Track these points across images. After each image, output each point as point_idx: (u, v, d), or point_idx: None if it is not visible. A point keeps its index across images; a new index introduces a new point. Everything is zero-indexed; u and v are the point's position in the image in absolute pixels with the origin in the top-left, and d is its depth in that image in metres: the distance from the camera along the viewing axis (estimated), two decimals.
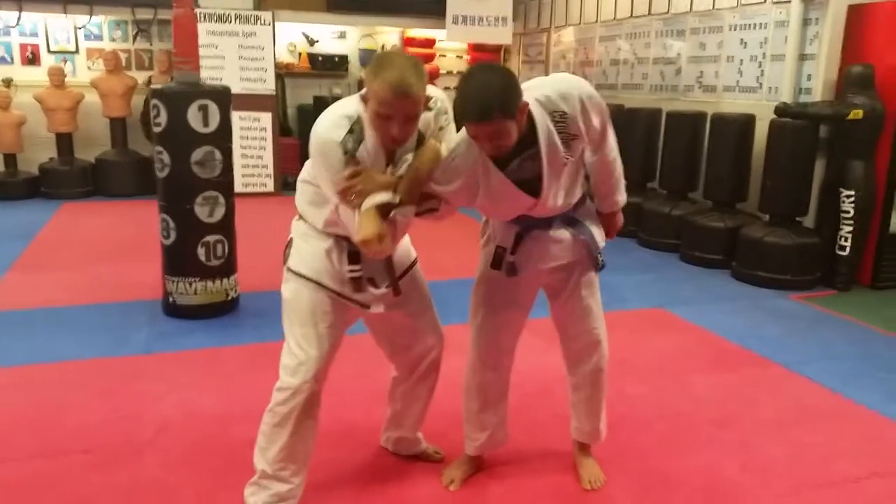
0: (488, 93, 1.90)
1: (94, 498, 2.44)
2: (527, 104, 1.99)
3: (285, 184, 8.56)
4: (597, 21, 7.86)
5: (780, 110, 5.22)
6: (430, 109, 2.11)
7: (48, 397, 3.16)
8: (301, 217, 2.30)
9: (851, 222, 5.03)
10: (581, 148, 2.18)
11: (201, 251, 4.11)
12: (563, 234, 2.33)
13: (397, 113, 1.93)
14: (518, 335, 2.50)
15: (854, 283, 5.16)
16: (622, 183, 2.41)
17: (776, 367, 3.72)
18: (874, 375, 3.61)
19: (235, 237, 4.33)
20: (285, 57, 8.89)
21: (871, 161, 4.98)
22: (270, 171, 8.30)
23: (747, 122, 5.65)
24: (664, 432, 2.99)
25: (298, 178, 2.30)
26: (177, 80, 4.04)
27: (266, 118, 8.15)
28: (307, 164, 2.23)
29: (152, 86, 4.14)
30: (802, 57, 5.38)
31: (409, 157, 2.09)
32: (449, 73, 9.94)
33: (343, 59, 9.29)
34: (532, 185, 2.13)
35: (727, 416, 3.14)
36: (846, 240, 5.06)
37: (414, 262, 2.44)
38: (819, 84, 5.25)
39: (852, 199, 5.00)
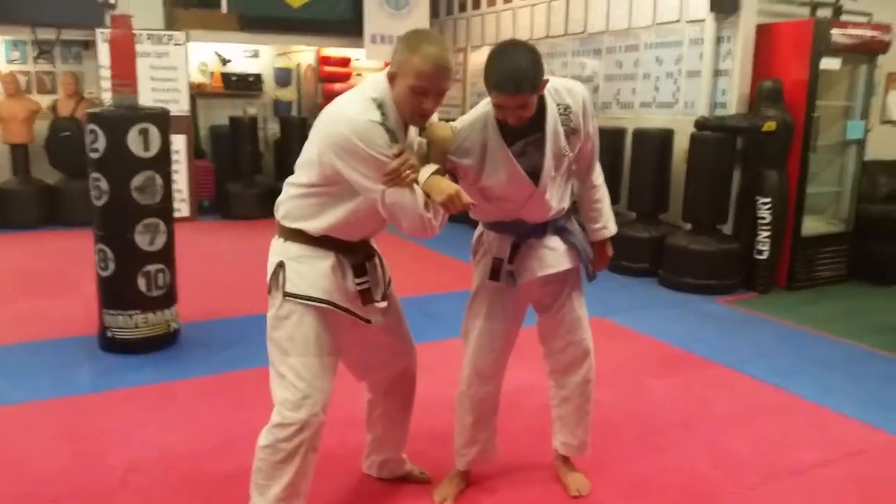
0: (521, 68, 2.02)
1: None
2: (547, 81, 2.12)
3: (201, 208, 8.33)
4: None
5: (700, 124, 5.53)
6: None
7: (4, 444, 2.95)
8: (290, 238, 2.18)
9: (768, 228, 5.38)
10: (576, 147, 2.28)
11: (142, 281, 3.94)
12: (557, 242, 2.42)
13: (435, 87, 1.97)
14: (511, 348, 2.54)
15: (772, 286, 5.50)
16: (610, 211, 2.54)
17: (719, 368, 3.92)
18: (807, 370, 3.88)
19: (175, 265, 4.18)
20: (197, 77, 8.64)
21: (784, 169, 5.35)
22: (185, 195, 7.99)
23: (666, 136, 5.95)
24: (635, 437, 3.10)
25: (283, 200, 2.22)
26: (114, 103, 3.87)
27: (180, 140, 7.86)
28: (294, 179, 2.17)
29: (88, 110, 3.93)
30: (717, 73, 5.73)
31: (419, 139, 2.14)
32: None
33: (257, 79, 9.12)
34: (534, 172, 2.23)
35: (688, 417, 3.30)
36: (764, 244, 5.41)
37: (391, 278, 2.43)
38: (733, 98, 5.60)
39: (768, 205, 5.35)
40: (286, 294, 2.13)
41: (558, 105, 2.23)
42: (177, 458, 2.85)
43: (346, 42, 9.30)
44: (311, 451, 2.18)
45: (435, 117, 2.20)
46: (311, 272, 2.13)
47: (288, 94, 9.40)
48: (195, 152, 8.26)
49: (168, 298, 4.08)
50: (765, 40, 5.50)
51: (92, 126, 3.79)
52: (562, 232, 2.45)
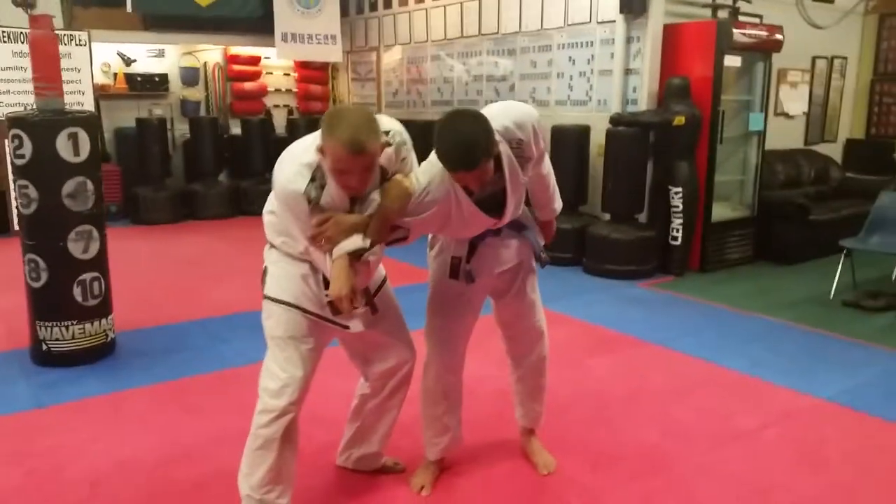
0: (473, 143, 2.03)
1: None
2: (498, 142, 2.14)
3: (108, 214, 7.96)
4: (427, 40, 8.18)
5: (615, 120, 5.82)
6: (389, 145, 2.14)
7: None
8: (272, 247, 2.33)
9: (681, 215, 5.73)
10: (531, 170, 2.38)
11: (77, 291, 3.79)
12: (511, 239, 2.53)
13: (353, 168, 1.98)
14: (470, 336, 2.64)
15: (687, 269, 5.87)
16: (557, 193, 2.64)
17: (651, 346, 4.18)
18: (731, 345, 4.19)
19: (109, 272, 4.04)
20: (100, 78, 8.27)
21: (693, 160, 5.72)
22: None
23: (583, 132, 6.22)
24: (587, 413, 3.28)
25: (265, 211, 2.32)
26: (39, 107, 3.70)
27: None
28: (272, 197, 2.24)
29: (9, 114, 3.74)
30: (628, 71, 6.04)
31: (376, 194, 2.15)
32: (277, 90, 9.79)
33: (163, 79, 8.82)
34: (494, 205, 2.29)
35: (632, 393, 3.51)
36: (678, 231, 5.76)
37: (384, 280, 2.50)
38: (644, 95, 5.92)
39: (680, 194, 5.70)
40: (266, 296, 2.31)
41: (510, 141, 2.22)
42: (139, 468, 2.79)
43: (255, 41, 9.16)
44: (290, 440, 2.28)
45: (407, 163, 2.22)
46: (285, 277, 2.29)
47: (195, 93, 9.14)
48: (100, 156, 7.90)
49: (104, 307, 3.94)
50: (672, 40, 5.85)
51: (16, 131, 3.62)
52: (517, 228, 2.54)
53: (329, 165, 2.01)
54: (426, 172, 2.19)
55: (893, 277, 5.50)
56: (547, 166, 2.54)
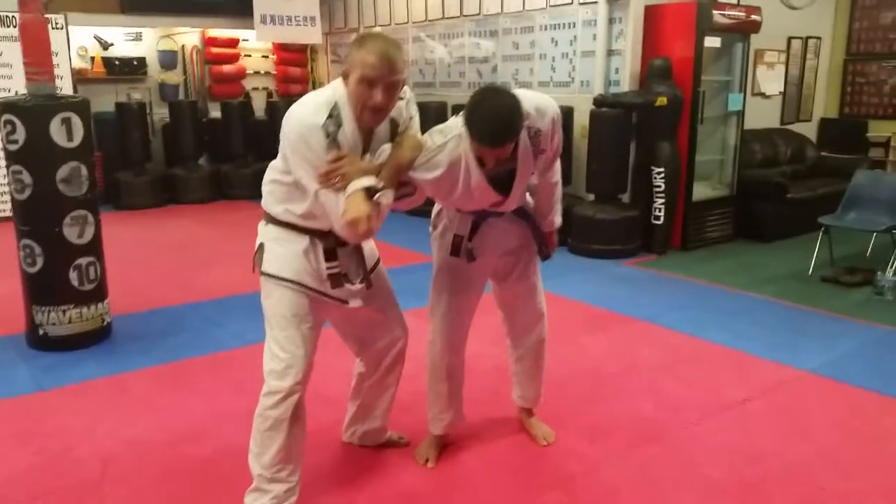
0: (507, 122, 2.10)
1: None
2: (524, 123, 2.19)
3: None
4: (408, 22, 8.19)
5: (598, 101, 5.91)
6: (401, 98, 2.23)
7: None
8: (270, 221, 2.31)
9: (663, 195, 5.84)
10: (542, 163, 2.42)
11: (73, 275, 3.81)
12: (514, 223, 2.59)
13: (382, 77, 2.04)
14: (473, 315, 2.72)
15: (669, 247, 6.00)
16: (559, 206, 2.68)
17: (639, 322, 4.30)
18: (716, 320, 4.32)
19: (104, 257, 4.05)
20: (77, 62, 8.16)
21: (675, 141, 5.83)
22: None
23: (566, 113, 6.29)
24: (583, 388, 3.39)
25: (265, 181, 2.31)
26: (31, 92, 3.68)
27: None
28: (274, 164, 2.25)
29: (0, 99, 3.72)
30: (610, 53, 6.11)
31: (386, 146, 2.22)
32: (256, 73, 9.73)
33: (141, 62, 8.74)
34: (502, 185, 2.34)
35: (624, 367, 3.62)
36: (660, 210, 5.87)
37: (378, 260, 2.56)
38: (626, 76, 6.01)
39: (662, 175, 5.81)
40: (263, 273, 2.29)
41: (529, 128, 2.26)
42: (149, 447, 2.85)
43: (232, 23, 9.09)
44: (298, 418, 2.31)
45: (416, 125, 2.30)
46: (285, 253, 2.27)
47: (174, 77, 9.06)
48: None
49: (100, 291, 3.96)
50: (653, 21, 5.93)
51: (8, 116, 3.60)
52: (519, 213, 2.60)
53: (356, 78, 2.05)
54: (442, 134, 2.26)
55: (868, 253, 5.68)
56: (557, 175, 2.59)
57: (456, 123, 2.25)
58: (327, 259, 2.28)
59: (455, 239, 2.55)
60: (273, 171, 2.28)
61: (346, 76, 2.11)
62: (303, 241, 2.26)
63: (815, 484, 2.60)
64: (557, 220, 2.70)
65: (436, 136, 2.26)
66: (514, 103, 2.13)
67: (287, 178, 2.20)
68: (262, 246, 2.31)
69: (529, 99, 2.27)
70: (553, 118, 2.34)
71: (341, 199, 2.07)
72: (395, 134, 2.25)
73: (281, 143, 2.17)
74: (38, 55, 3.67)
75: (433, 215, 2.67)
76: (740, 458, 2.75)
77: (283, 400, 2.25)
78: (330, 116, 2.07)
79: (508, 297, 2.77)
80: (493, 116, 2.10)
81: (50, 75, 3.72)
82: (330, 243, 2.28)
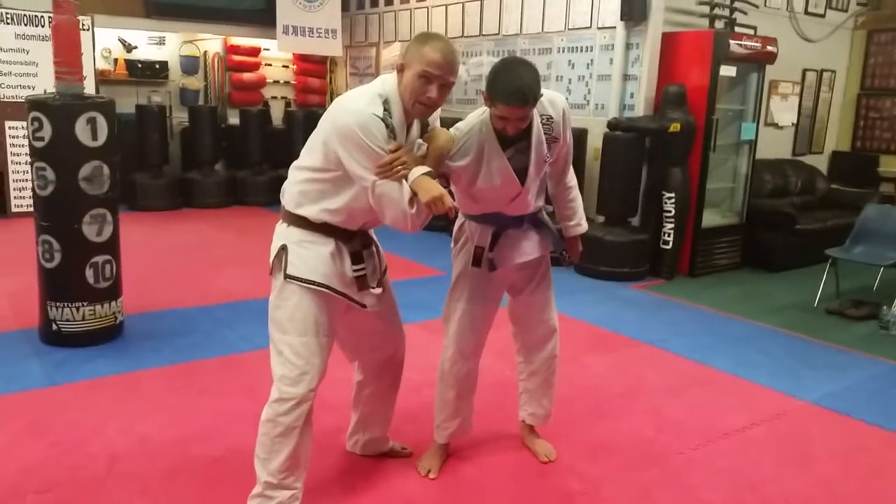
0: (528, 83, 2.23)
1: None
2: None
3: None
4: None
5: (613, 125, 5.97)
6: None
7: None
8: (293, 223, 2.30)
9: (673, 220, 5.89)
10: (555, 153, 2.53)
11: (89, 273, 3.87)
12: (532, 232, 2.68)
13: (441, 75, 2.13)
14: (489, 329, 2.77)
15: (676, 273, 6.03)
16: (581, 210, 2.80)
17: (645, 346, 4.33)
18: (721, 347, 4.35)
19: (120, 256, 4.12)
20: (100, 64, 8.29)
21: (687, 167, 5.88)
22: None
23: (580, 135, 6.36)
24: (586, 407, 3.42)
25: (293, 182, 2.31)
26: (59, 91, 3.77)
27: None
28: (304, 164, 2.27)
29: (29, 97, 3.81)
30: (626, 77, 6.18)
31: (420, 141, 2.30)
32: (275, 82, 9.85)
33: (163, 66, 8.86)
34: (520, 174, 2.45)
35: (628, 389, 3.66)
36: (669, 235, 5.92)
37: (386, 266, 2.59)
38: (641, 101, 6.07)
39: (673, 200, 5.86)
40: (287, 276, 2.25)
41: (541, 115, 2.43)
42: (158, 445, 2.89)
43: (254, 32, 9.24)
44: (308, 424, 2.33)
45: (437, 123, 2.41)
46: (312, 257, 2.26)
47: (195, 82, 9.19)
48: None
49: (114, 290, 4.03)
50: (670, 48, 6.00)
51: (36, 114, 3.69)
52: (536, 223, 2.70)
53: (415, 72, 2.12)
54: (465, 123, 2.42)
55: (875, 287, 5.70)
56: (572, 180, 2.74)
57: (475, 114, 2.42)
58: (354, 261, 2.32)
59: (476, 250, 2.63)
60: (304, 171, 2.29)
61: (401, 70, 2.18)
62: (329, 244, 2.27)
63: None
64: (582, 225, 2.81)
65: (461, 126, 2.42)
66: (535, 69, 2.28)
67: (325, 175, 2.22)
68: (284, 248, 2.28)
69: (544, 91, 2.41)
70: (564, 109, 2.50)
71: (405, 187, 2.12)
72: (423, 131, 2.33)
73: (318, 139, 2.20)
74: (69, 55, 3.77)
75: (455, 230, 2.75)
76: (739, 485, 2.78)
77: (295, 406, 2.26)
78: (385, 109, 2.14)
79: (522, 310, 2.82)
80: (517, 77, 2.23)
81: (79, 75, 3.82)
82: (356, 245, 2.33)
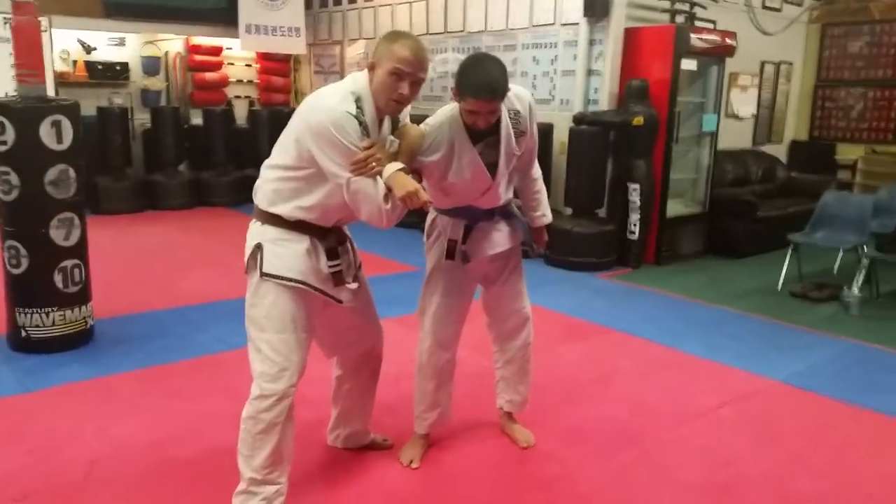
0: (497, 77, 2.29)
1: None
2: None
3: None
4: None
5: (578, 119, 6.06)
6: None
7: None
8: (268, 222, 2.30)
9: (638, 211, 6.00)
10: (523, 147, 2.58)
11: (58, 278, 3.81)
12: (502, 224, 2.73)
13: (412, 72, 2.16)
14: (464, 321, 2.81)
15: (643, 262, 6.14)
16: (546, 201, 2.87)
17: (615, 333, 4.42)
18: (689, 332, 4.45)
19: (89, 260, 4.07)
20: (59, 66, 8.14)
21: (651, 159, 5.98)
22: None
23: (546, 130, 6.43)
24: (561, 394, 3.48)
25: (266, 181, 2.31)
26: (21, 93, 3.71)
27: None
28: (277, 162, 2.27)
29: None
30: (590, 72, 6.27)
31: (391, 137, 2.32)
32: (238, 81, 9.76)
33: (124, 67, 8.72)
34: (490, 168, 2.50)
35: (601, 375, 3.73)
36: (635, 225, 6.03)
37: (360, 262, 2.60)
38: (605, 95, 6.17)
39: (638, 191, 5.96)
40: (263, 274, 2.26)
41: (509, 110, 2.48)
42: (135, 448, 2.87)
43: (216, 31, 9.15)
44: (290, 420, 2.34)
45: (408, 120, 2.43)
46: (287, 254, 2.27)
47: (156, 83, 9.06)
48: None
49: (84, 294, 3.97)
50: (632, 43, 6.10)
51: None
52: (506, 215, 2.75)
53: (386, 70, 2.15)
54: (435, 118, 2.46)
55: (836, 270, 5.87)
56: (537, 172, 2.81)
57: (445, 110, 2.46)
58: (329, 257, 2.34)
59: (449, 244, 2.67)
60: (276, 169, 2.29)
61: (372, 68, 2.20)
62: (304, 241, 2.28)
63: (787, 486, 2.71)
64: (547, 216, 2.87)
65: (431, 121, 2.45)
66: (502, 64, 2.35)
67: (299, 173, 2.22)
68: (259, 247, 2.28)
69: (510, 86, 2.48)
70: (530, 103, 2.57)
71: (380, 184, 2.14)
72: (394, 128, 2.35)
73: (290, 137, 2.21)
74: (30, 57, 3.70)
75: (427, 225, 2.78)
76: (714, 462, 2.86)
77: (276, 403, 2.27)
78: (357, 106, 2.15)
79: (495, 301, 2.87)
80: (486, 72, 2.29)
81: (41, 78, 3.76)
82: (331, 242, 2.35)
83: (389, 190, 2.16)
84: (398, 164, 2.21)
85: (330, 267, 2.34)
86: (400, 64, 2.14)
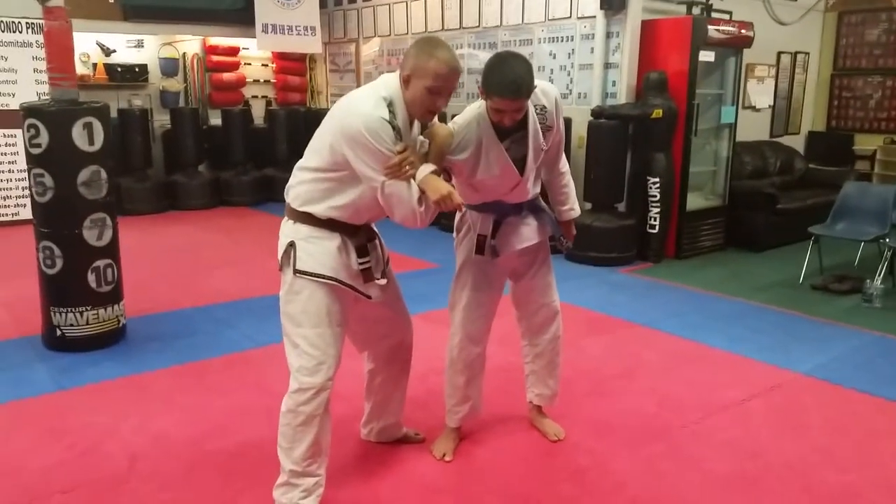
0: (522, 75, 2.32)
1: None
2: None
3: None
4: (408, 33, 8.34)
5: (596, 113, 6.07)
6: None
7: None
8: (300, 220, 2.36)
9: (658, 205, 6.01)
10: (550, 141, 2.62)
11: (91, 277, 3.90)
12: (531, 219, 2.78)
13: (448, 87, 2.23)
14: (494, 315, 2.86)
15: (663, 256, 6.16)
16: (574, 195, 2.89)
17: (638, 327, 4.45)
18: (712, 325, 4.48)
19: (120, 260, 4.15)
20: (79, 69, 8.23)
21: (670, 152, 6.00)
22: None
23: (565, 124, 6.41)
24: (587, 387, 3.53)
25: (298, 182, 2.37)
26: (54, 97, 3.79)
27: None
28: (309, 164, 2.33)
29: (23, 104, 3.82)
30: (607, 66, 6.28)
31: (421, 138, 2.38)
32: (255, 81, 9.84)
33: (143, 69, 8.82)
34: (519, 164, 2.55)
35: (627, 369, 3.77)
36: (655, 219, 6.04)
37: (388, 257, 2.65)
38: (623, 89, 6.18)
39: (658, 184, 5.98)
40: (297, 271, 2.32)
41: (535, 106, 2.52)
42: (175, 443, 2.95)
43: (233, 31, 9.22)
44: (327, 412, 2.41)
45: (436, 119, 2.47)
46: (319, 252, 2.33)
47: (175, 84, 9.15)
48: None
49: (116, 293, 4.06)
50: (649, 35, 6.11)
51: (32, 121, 3.71)
52: (535, 210, 2.79)
53: (423, 86, 2.20)
54: (462, 117, 2.51)
55: (857, 262, 5.87)
56: (565, 166, 2.83)
57: (472, 108, 2.51)
58: (360, 255, 2.40)
59: (479, 239, 2.72)
60: (308, 171, 2.35)
61: (407, 80, 2.24)
62: (335, 239, 2.34)
63: (813, 477, 2.74)
64: (575, 210, 2.89)
65: (459, 119, 2.50)
66: (527, 62, 2.37)
67: (332, 175, 2.28)
68: (292, 244, 2.34)
69: (536, 81, 2.50)
70: (555, 98, 2.60)
71: (414, 187, 2.21)
72: (423, 128, 2.41)
73: (324, 141, 2.27)
74: (62, 61, 3.79)
75: (456, 221, 2.83)
76: (741, 454, 2.89)
77: (315, 395, 2.33)
78: (390, 111, 2.21)
79: (524, 295, 2.91)
80: (511, 70, 2.32)
81: (73, 81, 3.85)
82: (361, 239, 2.41)
83: (423, 192, 2.22)
84: (430, 167, 2.27)
85: (360, 264, 2.41)
86: (437, 81, 2.20)
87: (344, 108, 2.27)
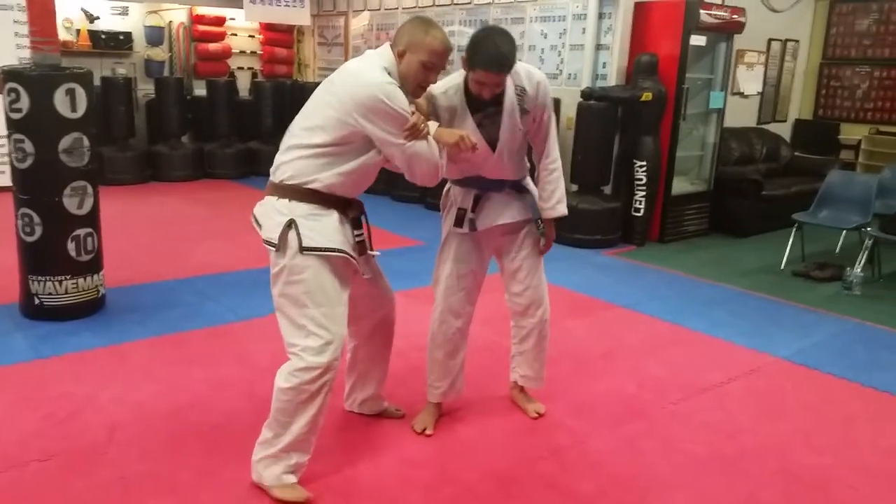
0: (506, 51, 2.39)
1: (90, 499, 2.36)
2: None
3: None
4: (398, 8, 8.24)
5: (586, 94, 6.05)
6: None
7: None
8: (297, 198, 2.29)
9: (644, 188, 6.02)
10: (527, 125, 2.62)
11: (71, 246, 3.85)
12: (513, 197, 2.77)
13: (441, 63, 2.33)
14: (478, 289, 2.86)
15: (647, 239, 6.18)
16: (561, 193, 2.78)
17: (621, 309, 4.47)
18: (694, 309, 4.51)
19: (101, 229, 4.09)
20: (62, 34, 8.07)
21: (658, 136, 6.00)
22: None
23: (554, 105, 6.33)
24: (570, 367, 3.54)
25: (298, 157, 2.30)
26: (36, 61, 3.71)
27: None
28: (308, 139, 2.29)
29: (3, 67, 3.74)
30: (598, 47, 6.26)
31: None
32: (241, 52, 9.70)
33: (127, 37, 8.66)
34: (492, 139, 2.59)
35: (608, 350, 3.79)
36: (640, 203, 6.05)
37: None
38: (613, 71, 6.16)
39: (644, 168, 5.98)
40: (305, 249, 2.26)
41: (516, 86, 2.55)
42: (155, 413, 2.93)
43: (221, 1, 9.06)
44: (330, 390, 2.38)
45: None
46: (324, 226, 2.31)
47: (160, 53, 9.00)
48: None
49: (96, 263, 4.01)
50: (641, 18, 6.08)
51: (13, 85, 3.63)
52: (518, 189, 2.78)
53: (418, 61, 2.30)
54: (439, 85, 2.57)
55: (838, 250, 5.92)
56: (556, 162, 2.75)
57: (450, 78, 2.58)
58: (354, 227, 2.41)
59: (459, 212, 2.74)
60: (307, 148, 2.29)
61: (402, 55, 2.32)
62: (333, 213, 2.33)
63: (790, 459, 2.78)
64: (556, 209, 2.79)
65: (434, 88, 2.55)
66: (512, 38, 2.44)
67: (336, 149, 2.27)
68: (292, 223, 2.27)
69: (523, 64, 2.60)
70: (540, 82, 2.61)
71: (433, 142, 2.33)
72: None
73: (330, 116, 2.25)
74: (44, 24, 3.71)
75: (442, 197, 2.83)
76: (719, 435, 2.92)
77: (321, 375, 2.29)
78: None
79: (511, 275, 2.90)
80: (496, 45, 2.39)
81: (56, 46, 3.77)
82: (355, 213, 2.42)
83: (439, 144, 2.34)
84: (435, 122, 2.39)
85: (356, 236, 2.41)
86: (432, 58, 2.31)
87: (349, 81, 2.28)
